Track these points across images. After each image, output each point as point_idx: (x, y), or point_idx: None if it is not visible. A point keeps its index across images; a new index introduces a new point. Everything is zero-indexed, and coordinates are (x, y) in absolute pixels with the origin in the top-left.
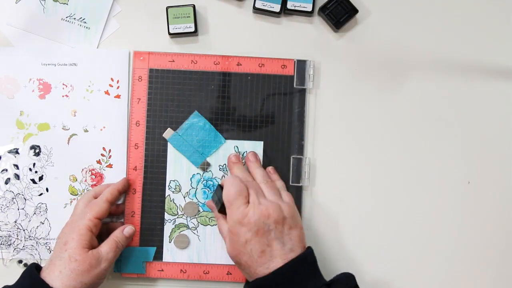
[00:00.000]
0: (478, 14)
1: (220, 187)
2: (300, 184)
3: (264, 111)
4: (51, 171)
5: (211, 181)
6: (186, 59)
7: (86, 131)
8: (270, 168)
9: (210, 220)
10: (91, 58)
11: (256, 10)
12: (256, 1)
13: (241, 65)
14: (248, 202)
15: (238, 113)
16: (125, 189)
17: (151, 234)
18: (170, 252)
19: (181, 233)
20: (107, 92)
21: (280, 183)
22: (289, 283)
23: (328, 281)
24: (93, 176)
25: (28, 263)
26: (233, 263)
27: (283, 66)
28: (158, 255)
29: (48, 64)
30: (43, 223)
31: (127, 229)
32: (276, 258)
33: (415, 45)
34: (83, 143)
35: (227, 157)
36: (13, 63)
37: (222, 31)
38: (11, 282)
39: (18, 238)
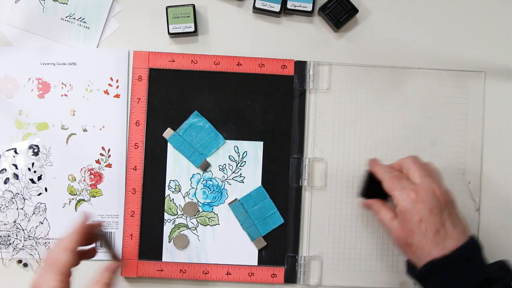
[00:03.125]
0: (478, 14)
1: (368, 173)
2: (299, 185)
3: (264, 111)
4: (50, 170)
5: (211, 181)
6: (186, 59)
7: (85, 130)
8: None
9: (209, 220)
10: (90, 57)
11: (256, 10)
12: (256, 1)
13: (241, 65)
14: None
15: (238, 113)
16: (87, 229)
17: (151, 234)
18: (170, 252)
19: (181, 233)
20: (106, 92)
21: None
22: (465, 265)
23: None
24: (92, 176)
25: (28, 263)
26: (231, 263)
27: (283, 66)
28: (158, 255)
29: (48, 64)
30: (42, 223)
31: (111, 266)
32: (449, 240)
33: (415, 45)
34: (82, 142)
35: (227, 157)
36: (13, 63)
37: (222, 31)
38: (11, 281)
39: (17, 238)
